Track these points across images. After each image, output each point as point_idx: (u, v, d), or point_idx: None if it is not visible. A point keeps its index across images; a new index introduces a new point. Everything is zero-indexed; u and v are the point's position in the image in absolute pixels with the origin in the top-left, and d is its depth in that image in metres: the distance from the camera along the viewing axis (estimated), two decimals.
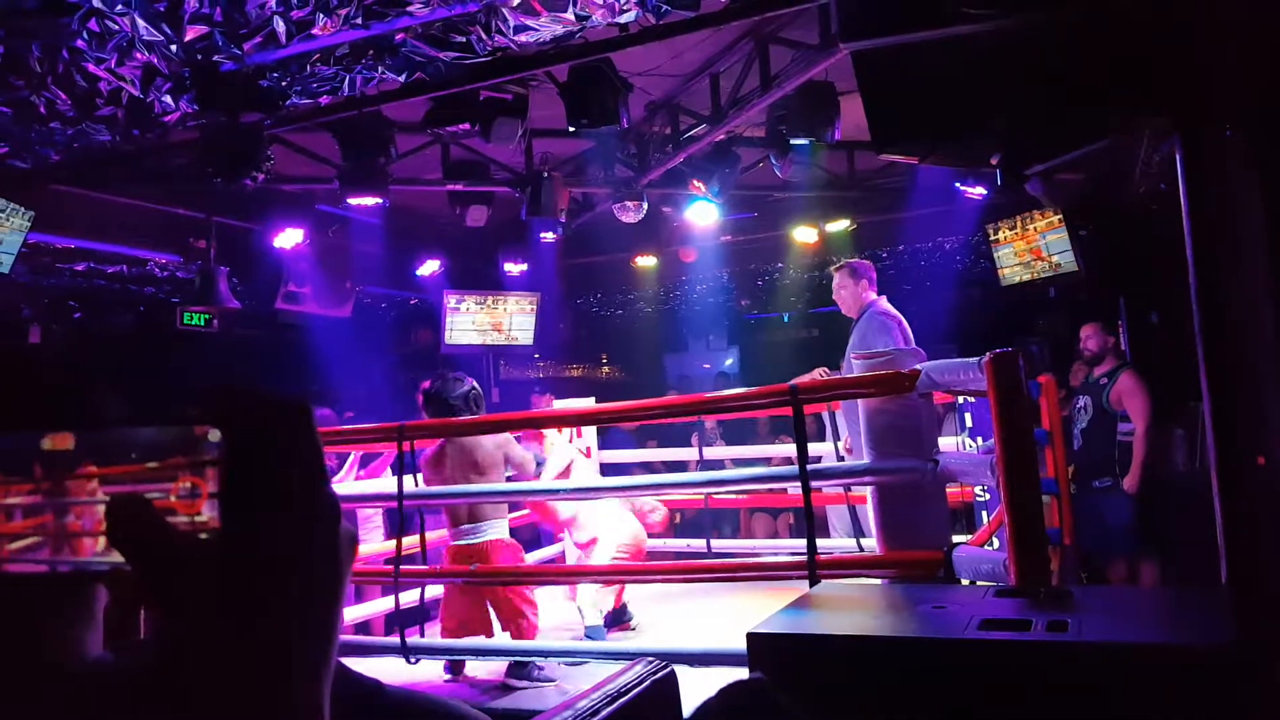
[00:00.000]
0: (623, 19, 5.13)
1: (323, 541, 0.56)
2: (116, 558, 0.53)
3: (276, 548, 0.54)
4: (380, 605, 6.48)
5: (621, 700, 1.64)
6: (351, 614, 6.34)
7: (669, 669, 1.82)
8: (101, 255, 8.91)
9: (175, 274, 9.49)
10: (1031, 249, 9.33)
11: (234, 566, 0.53)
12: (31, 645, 0.55)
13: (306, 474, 0.56)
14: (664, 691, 1.79)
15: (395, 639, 5.49)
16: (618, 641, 6.08)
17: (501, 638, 5.73)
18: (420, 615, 5.85)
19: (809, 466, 4.50)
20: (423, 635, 5.63)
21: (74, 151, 6.32)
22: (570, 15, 4.95)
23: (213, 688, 0.52)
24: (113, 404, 0.57)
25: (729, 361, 14.86)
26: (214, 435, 0.54)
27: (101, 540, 0.54)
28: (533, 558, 7.85)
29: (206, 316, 8.82)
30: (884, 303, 6.29)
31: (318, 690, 0.54)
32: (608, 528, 6.48)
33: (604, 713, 1.57)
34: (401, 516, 5.51)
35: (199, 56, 5.06)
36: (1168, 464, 7.08)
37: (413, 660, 5.30)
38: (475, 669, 5.78)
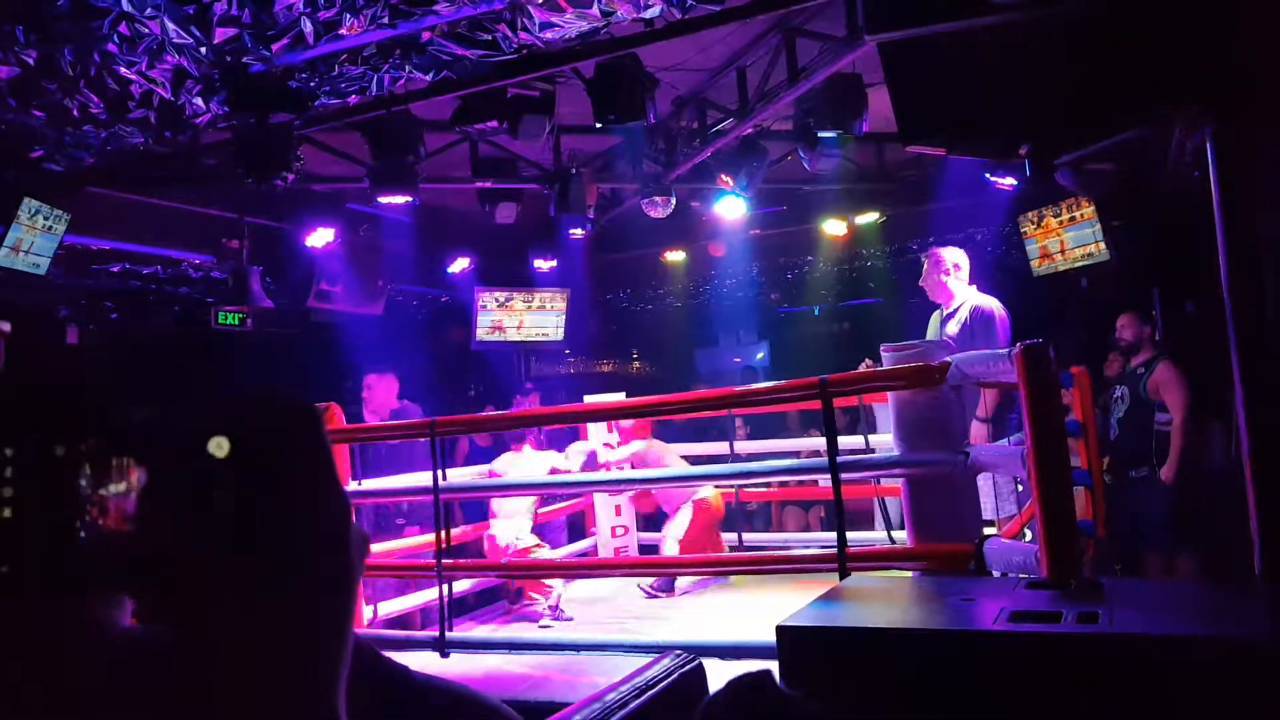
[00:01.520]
0: (648, 14, 5.13)
1: (334, 540, 0.57)
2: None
3: (289, 548, 0.56)
4: (417, 599, 6.53)
5: (649, 693, 1.64)
6: (387, 608, 6.39)
7: (697, 662, 1.83)
8: (136, 256, 9.01)
9: (209, 274, 9.58)
10: (1063, 239, 9.26)
11: (248, 566, 0.55)
12: (67, 620, 0.57)
13: (318, 475, 0.58)
14: (692, 685, 1.80)
15: (432, 633, 5.55)
16: (647, 635, 6.09)
17: (540, 632, 5.81)
18: (455, 609, 5.91)
19: (839, 459, 4.50)
20: (453, 629, 5.68)
21: (107, 154, 6.40)
22: (595, 11, 4.95)
23: (226, 682, 0.54)
24: (129, 411, 0.59)
25: (760, 355, 14.81)
26: (227, 441, 0.56)
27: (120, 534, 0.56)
28: (569, 550, 7.89)
29: (240, 316, 8.89)
30: (978, 297, 6.00)
31: (332, 683, 0.56)
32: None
33: (632, 705, 1.58)
34: (438, 510, 5.55)
35: (228, 58, 5.11)
36: (1206, 455, 6.99)
37: (446, 655, 5.35)
38: (510, 662, 5.82)
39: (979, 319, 5.80)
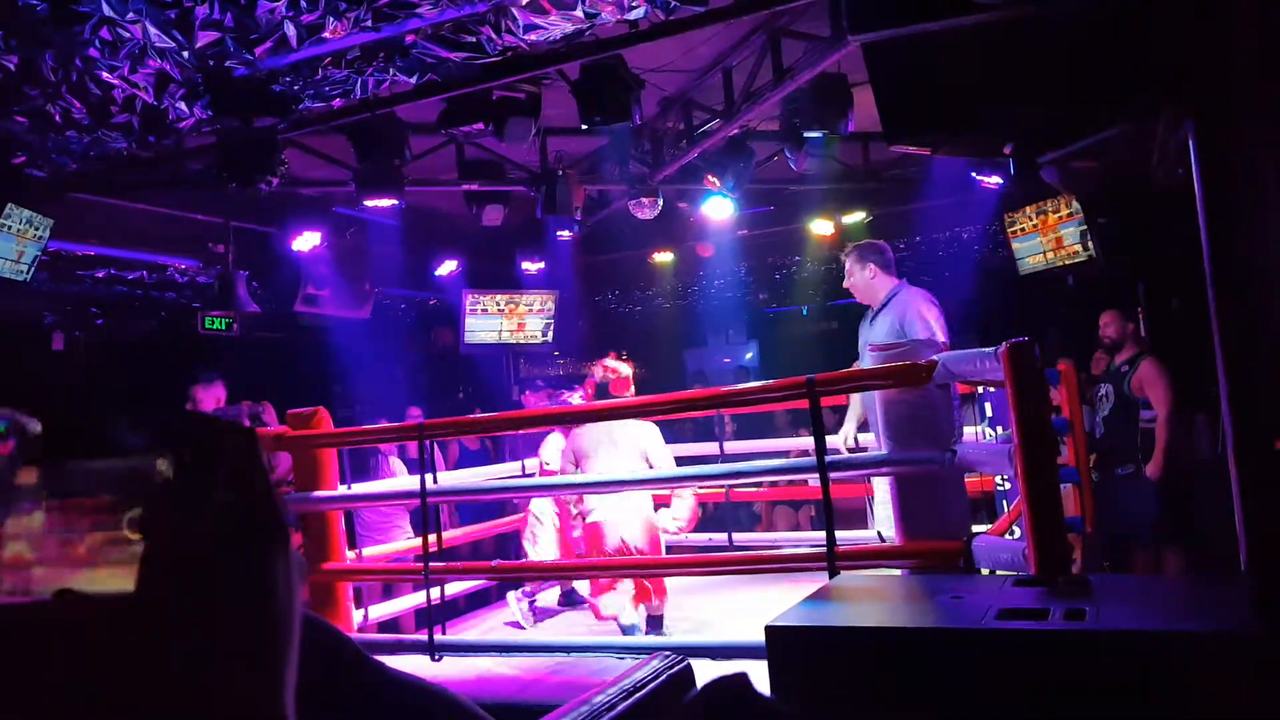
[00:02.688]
0: (632, 15, 5.13)
1: (271, 562, 0.57)
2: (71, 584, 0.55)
3: (224, 572, 0.56)
4: (407, 602, 6.52)
5: (637, 695, 1.64)
6: (377, 611, 6.38)
7: (685, 663, 1.82)
8: (121, 262, 8.99)
9: (195, 279, 9.56)
10: (1049, 238, 9.30)
11: (184, 592, 0.55)
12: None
13: (253, 498, 0.58)
14: (681, 686, 1.79)
15: (422, 636, 5.54)
16: (638, 636, 6.09)
17: (531, 634, 5.81)
18: (447, 612, 5.89)
19: (827, 458, 4.51)
20: (444, 632, 5.67)
21: (91, 159, 6.37)
22: (579, 13, 4.95)
23: (170, 690, 0.53)
24: (68, 436, 0.59)
25: (749, 355, 14.84)
26: (163, 464, 0.55)
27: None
28: None
29: (227, 321, 8.86)
30: (906, 286, 5.71)
31: (276, 701, 0.56)
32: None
33: (619, 708, 1.57)
34: (425, 513, 5.54)
35: (211, 62, 5.10)
36: (1191, 450, 7.02)
37: (437, 658, 5.33)
38: (500, 664, 5.81)
39: (916, 301, 5.50)
